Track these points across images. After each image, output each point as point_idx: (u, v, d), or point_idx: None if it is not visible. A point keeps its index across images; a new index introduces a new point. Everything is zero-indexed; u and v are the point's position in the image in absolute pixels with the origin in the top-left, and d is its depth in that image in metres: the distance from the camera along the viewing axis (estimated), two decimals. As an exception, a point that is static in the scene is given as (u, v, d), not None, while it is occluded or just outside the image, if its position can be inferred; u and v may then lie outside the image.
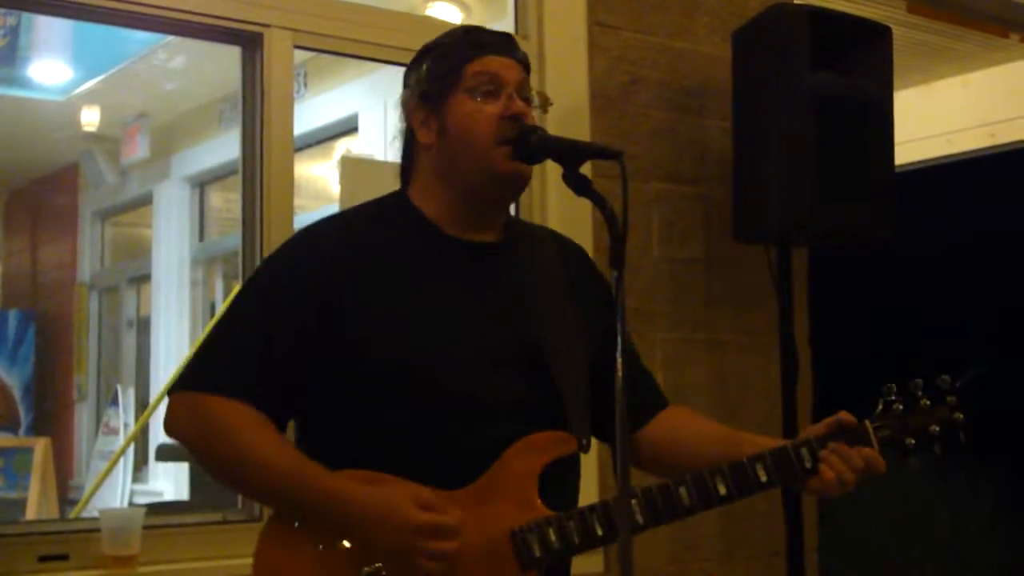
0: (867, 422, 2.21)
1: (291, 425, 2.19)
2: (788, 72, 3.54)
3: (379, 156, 5.40)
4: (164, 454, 6.33)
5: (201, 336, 6.26)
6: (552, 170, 2.17)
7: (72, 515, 6.04)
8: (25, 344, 7.70)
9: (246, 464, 2.05)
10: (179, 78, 6.52)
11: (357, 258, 2.14)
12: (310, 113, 5.84)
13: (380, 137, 5.57)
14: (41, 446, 5.49)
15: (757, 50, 3.67)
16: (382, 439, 2.07)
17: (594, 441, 2.23)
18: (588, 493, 2.33)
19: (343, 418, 2.10)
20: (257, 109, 3.20)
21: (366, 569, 2.00)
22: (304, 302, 2.09)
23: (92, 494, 6.24)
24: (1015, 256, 5.97)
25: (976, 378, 2.24)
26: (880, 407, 2.23)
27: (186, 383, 2.11)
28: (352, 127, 5.91)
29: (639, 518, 2.10)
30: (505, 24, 3.73)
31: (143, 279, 7.66)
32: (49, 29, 6.04)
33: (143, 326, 7.61)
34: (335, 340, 2.08)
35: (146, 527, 2.91)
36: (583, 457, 2.21)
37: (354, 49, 3.43)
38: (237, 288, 2.52)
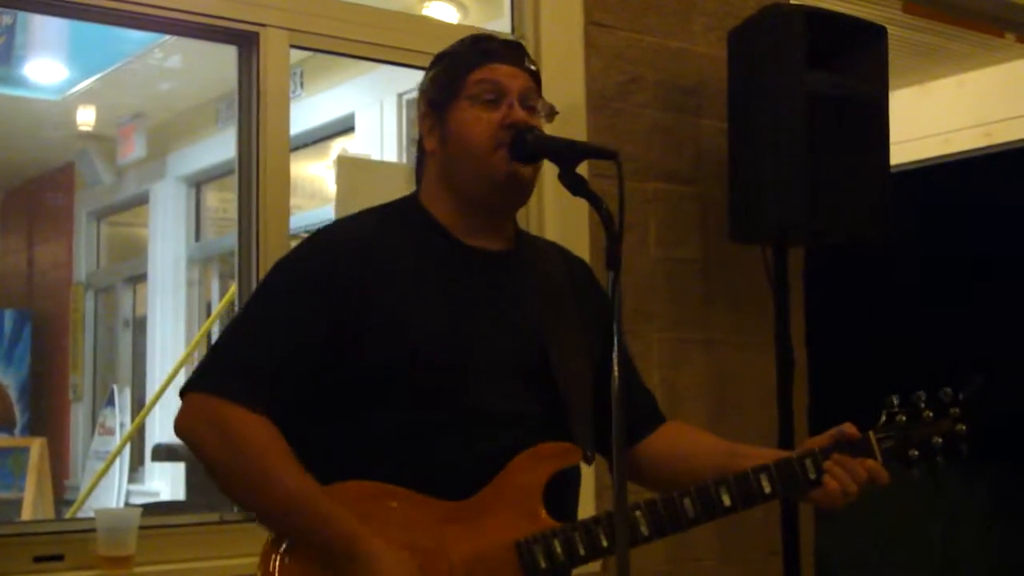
0: (870, 433, 2.22)
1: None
2: (784, 72, 3.54)
3: (375, 156, 5.41)
4: (160, 454, 6.33)
5: (201, 332, 6.28)
6: (549, 170, 2.17)
7: (68, 515, 6.04)
8: (21, 344, 7.70)
9: (254, 480, 2.02)
10: (175, 78, 6.52)
11: (372, 261, 2.13)
12: (306, 113, 5.84)
13: (376, 137, 5.57)
14: (37, 446, 5.48)
15: (753, 50, 3.67)
16: (389, 446, 2.07)
17: (593, 454, 2.24)
18: (585, 504, 2.33)
19: (351, 423, 2.10)
20: (253, 109, 3.19)
21: None
22: (322, 304, 2.09)
23: (88, 494, 6.24)
24: (1012, 256, 5.97)
25: (978, 390, 2.24)
26: (883, 418, 2.24)
27: (203, 385, 2.09)
28: (348, 127, 5.91)
29: (643, 529, 2.11)
30: (501, 24, 3.73)
31: (139, 279, 7.66)
32: (45, 28, 6.04)
33: (139, 326, 7.61)
34: (349, 342, 2.07)
35: (142, 527, 2.89)
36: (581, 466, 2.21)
37: (350, 49, 3.43)
38: (234, 285, 2.52)
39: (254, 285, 2.99)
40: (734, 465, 2.19)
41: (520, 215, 3.30)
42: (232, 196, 3.34)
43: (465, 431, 2.08)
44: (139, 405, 7.01)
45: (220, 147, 6.55)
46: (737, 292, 3.96)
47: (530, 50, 2.34)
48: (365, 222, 2.25)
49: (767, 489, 2.17)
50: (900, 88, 6.20)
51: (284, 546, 2.04)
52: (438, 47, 2.34)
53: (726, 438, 2.43)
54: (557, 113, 2.26)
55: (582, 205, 2.07)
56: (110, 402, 7.05)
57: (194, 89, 6.60)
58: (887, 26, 3.79)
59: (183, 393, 2.11)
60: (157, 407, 6.15)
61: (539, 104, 2.21)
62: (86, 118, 7.02)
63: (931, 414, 2.24)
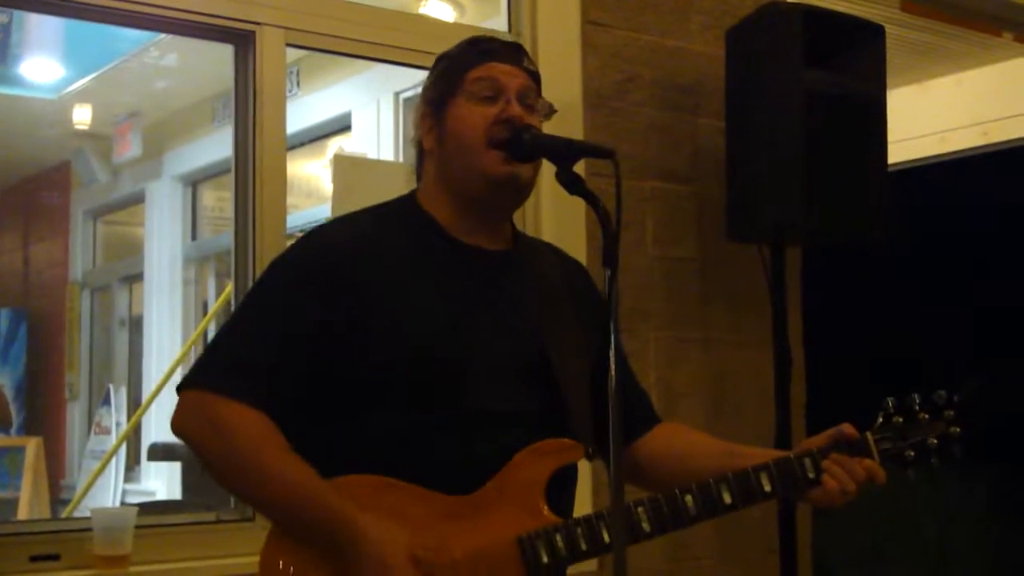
0: (868, 434, 2.23)
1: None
2: (782, 70, 3.54)
3: (372, 154, 5.39)
4: (156, 454, 6.32)
5: (197, 332, 6.28)
6: (545, 169, 2.17)
7: (64, 515, 6.03)
8: (17, 343, 7.69)
9: (254, 474, 2.03)
10: (171, 76, 6.51)
11: (370, 260, 2.14)
12: (303, 111, 5.82)
13: (373, 135, 5.56)
14: (33, 445, 5.49)
15: (751, 48, 3.67)
16: (389, 446, 2.07)
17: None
18: (582, 502, 2.33)
19: (350, 423, 2.10)
20: (250, 107, 3.19)
21: None
22: (319, 302, 2.09)
23: (84, 494, 6.23)
24: (1009, 255, 5.98)
25: (972, 393, 2.26)
26: (880, 420, 2.26)
27: (198, 382, 2.10)
28: (345, 125, 5.90)
29: (645, 526, 2.13)
30: (498, 22, 3.73)
31: (135, 278, 7.64)
32: (41, 27, 6.02)
33: (135, 325, 7.60)
34: (346, 342, 2.07)
35: (138, 527, 2.89)
36: (579, 463, 2.21)
37: (347, 47, 3.42)
38: (230, 285, 2.51)
39: (250, 284, 2.99)
40: (731, 465, 2.20)
41: (517, 213, 3.30)
42: (228, 195, 3.33)
43: (465, 430, 2.09)
44: (135, 404, 7.00)
45: (216, 146, 6.53)
46: (734, 291, 3.96)
47: (527, 48, 2.34)
48: (362, 221, 2.26)
49: (767, 488, 2.18)
50: (898, 87, 6.20)
51: (285, 536, 2.05)
52: (435, 46, 2.34)
53: (723, 437, 2.44)
54: (555, 112, 2.26)
55: (579, 204, 2.07)
56: (106, 401, 7.05)
57: (190, 88, 6.59)
58: (885, 25, 3.79)
59: (179, 390, 2.11)
60: (153, 406, 6.14)
61: (537, 103, 2.21)
62: (82, 117, 7.01)
63: (926, 416, 2.25)
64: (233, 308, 2.52)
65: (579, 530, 2.09)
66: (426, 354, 2.08)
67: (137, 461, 7.08)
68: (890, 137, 3.71)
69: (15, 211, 8.52)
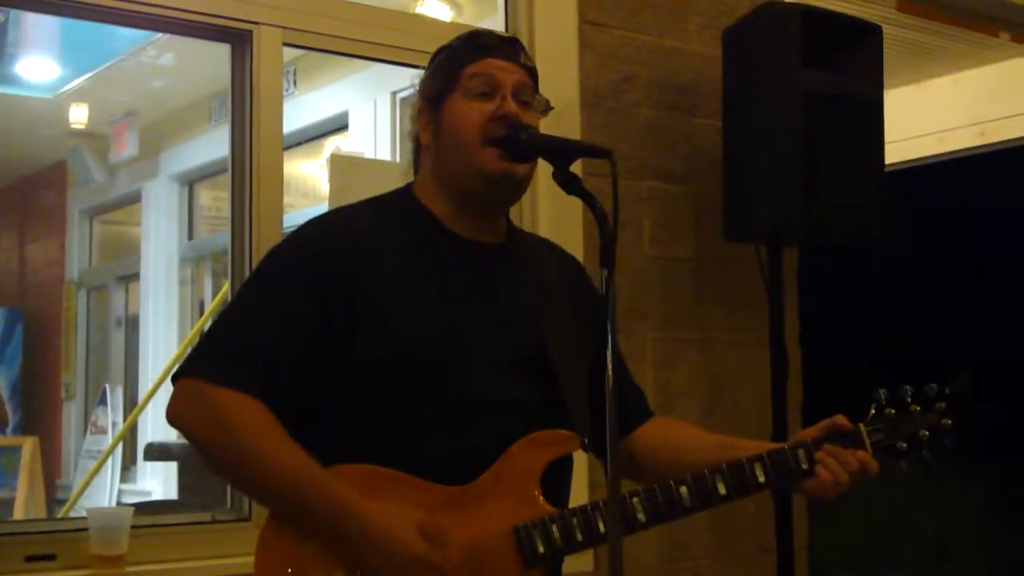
0: (861, 425, 2.24)
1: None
2: (779, 70, 3.54)
3: (369, 154, 5.39)
4: (152, 453, 6.31)
5: (194, 331, 6.27)
6: (543, 169, 2.16)
7: (60, 515, 6.03)
8: (13, 343, 7.69)
9: (252, 462, 2.03)
10: (168, 75, 6.51)
11: (367, 251, 2.14)
12: (300, 111, 5.82)
13: (370, 135, 5.56)
14: (29, 445, 5.48)
15: (748, 48, 3.67)
16: (388, 432, 2.08)
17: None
18: (579, 495, 2.33)
19: (350, 410, 2.10)
20: (246, 107, 3.19)
21: None
22: (316, 292, 2.09)
23: (80, 493, 6.23)
24: (1006, 255, 5.98)
25: (963, 385, 2.27)
26: (872, 412, 2.27)
27: (194, 370, 2.09)
28: (342, 125, 5.90)
29: (641, 516, 2.13)
30: (495, 22, 3.73)
31: (132, 277, 7.64)
32: (37, 26, 6.02)
33: (131, 325, 7.60)
34: (344, 332, 2.08)
35: (134, 527, 2.89)
36: (575, 455, 2.22)
37: (344, 47, 3.42)
38: (227, 284, 2.51)
39: (247, 284, 2.98)
40: (726, 457, 2.21)
41: (514, 213, 3.30)
42: (225, 194, 3.33)
43: (462, 421, 2.09)
44: (131, 404, 7.00)
45: (213, 145, 6.53)
46: (731, 291, 3.96)
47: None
48: (359, 213, 2.26)
49: (761, 478, 2.19)
50: (895, 87, 6.20)
51: (281, 531, 2.05)
52: (432, 45, 2.34)
53: (720, 436, 2.44)
54: (552, 108, 2.26)
55: (576, 204, 2.07)
56: (102, 401, 7.04)
57: (187, 87, 6.59)
58: (882, 25, 3.78)
59: (175, 379, 2.11)
60: (150, 406, 6.13)
61: (534, 99, 2.21)
62: (78, 116, 7.00)
63: (918, 408, 2.27)
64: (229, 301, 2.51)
65: (575, 520, 2.09)
66: (422, 345, 2.09)
67: (133, 461, 7.07)
68: (887, 137, 3.70)
69: (11, 210, 8.52)
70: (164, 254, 7.21)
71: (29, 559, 2.81)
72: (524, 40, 3.54)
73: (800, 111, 3.49)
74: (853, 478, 2.19)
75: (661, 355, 3.80)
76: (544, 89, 2.28)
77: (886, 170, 3.73)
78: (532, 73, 2.24)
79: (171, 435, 5.69)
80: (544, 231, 3.41)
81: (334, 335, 2.07)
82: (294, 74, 5.82)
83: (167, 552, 2.97)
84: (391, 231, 2.20)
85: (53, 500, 6.45)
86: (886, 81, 3.73)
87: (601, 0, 3.78)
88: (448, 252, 2.20)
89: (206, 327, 5.85)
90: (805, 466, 2.19)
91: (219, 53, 3.31)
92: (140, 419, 6.51)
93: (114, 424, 6.86)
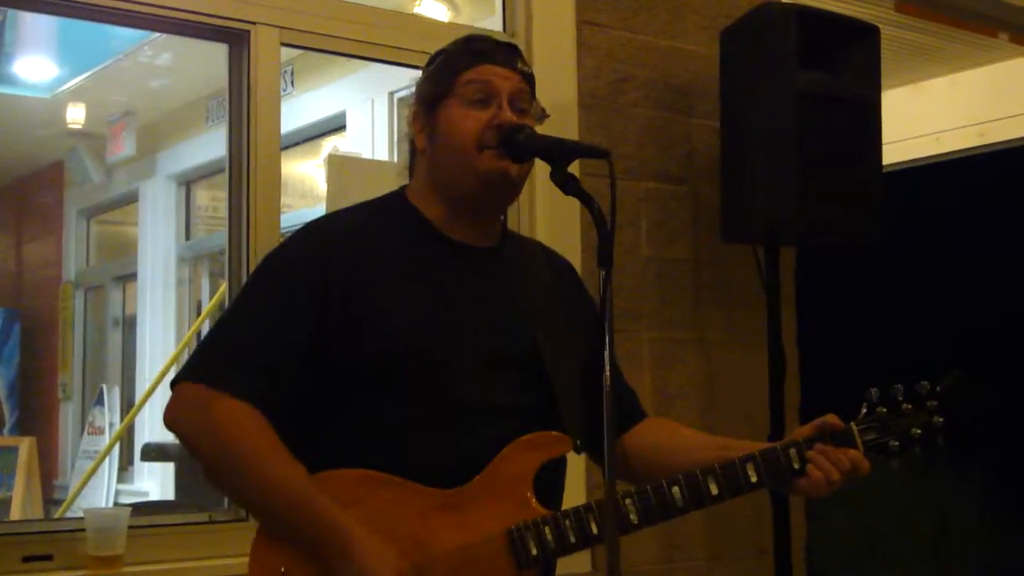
0: (852, 424, 2.23)
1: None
2: (776, 71, 3.54)
3: (366, 154, 5.39)
4: (150, 454, 6.31)
5: (191, 331, 6.26)
6: (540, 169, 2.16)
7: (57, 515, 6.01)
8: (10, 343, 7.68)
9: (242, 472, 2.03)
10: (165, 75, 6.51)
11: (362, 256, 2.14)
12: (297, 111, 5.82)
13: (367, 135, 5.56)
14: (26, 445, 5.46)
15: (745, 49, 3.67)
16: (381, 436, 2.08)
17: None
18: (576, 494, 2.33)
19: (344, 413, 2.10)
20: (244, 107, 3.18)
21: None
22: (312, 298, 2.09)
23: (77, 494, 6.22)
24: (1004, 256, 5.98)
25: (954, 383, 2.27)
26: (864, 410, 2.26)
27: (192, 375, 2.09)
28: (339, 125, 5.90)
29: (633, 517, 2.13)
30: (493, 23, 3.72)
31: (129, 277, 7.64)
32: (34, 26, 6.02)
33: (128, 325, 7.59)
34: (340, 336, 2.08)
35: (131, 527, 2.89)
36: (571, 458, 2.22)
37: (341, 47, 3.42)
38: (224, 285, 2.51)
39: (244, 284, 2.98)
40: (718, 457, 2.20)
41: (511, 214, 3.30)
42: (222, 194, 3.33)
43: (455, 424, 2.09)
44: (129, 404, 6.99)
45: (210, 145, 6.53)
46: (729, 292, 3.96)
47: (522, 49, 2.33)
48: (354, 217, 2.26)
49: (753, 478, 2.18)
50: (892, 88, 6.20)
51: (272, 536, 2.05)
52: (429, 45, 2.34)
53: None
54: (548, 116, 2.26)
55: (574, 204, 2.07)
56: (99, 401, 7.03)
57: (184, 87, 6.59)
58: (879, 25, 3.78)
59: (174, 384, 2.11)
60: (147, 406, 6.13)
61: (530, 107, 2.21)
62: (76, 116, 6.99)
63: (910, 406, 2.26)
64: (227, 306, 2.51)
65: (567, 522, 2.09)
66: (415, 349, 2.09)
67: (130, 461, 7.07)
68: (885, 138, 3.70)
69: (8, 210, 8.52)
70: (161, 254, 7.21)
71: (26, 559, 2.81)
72: (521, 41, 3.56)
73: (798, 112, 3.49)
74: (845, 477, 2.18)
75: (658, 356, 3.80)
76: (542, 90, 2.28)
77: (884, 171, 3.73)
78: (529, 79, 2.23)
79: (168, 435, 5.66)
80: (542, 232, 3.41)
81: (330, 339, 2.07)
82: (292, 74, 5.82)
83: (164, 552, 2.97)
84: (385, 236, 2.20)
85: (50, 500, 6.43)
86: (884, 82, 3.73)
87: (599, 1, 3.78)
88: (441, 256, 2.20)
89: (204, 331, 5.86)
90: (797, 465, 2.19)
91: (216, 53, 3.31)
92: (137, 419, 6.50)
93: (111, 424, 6.85)
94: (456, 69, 2.19)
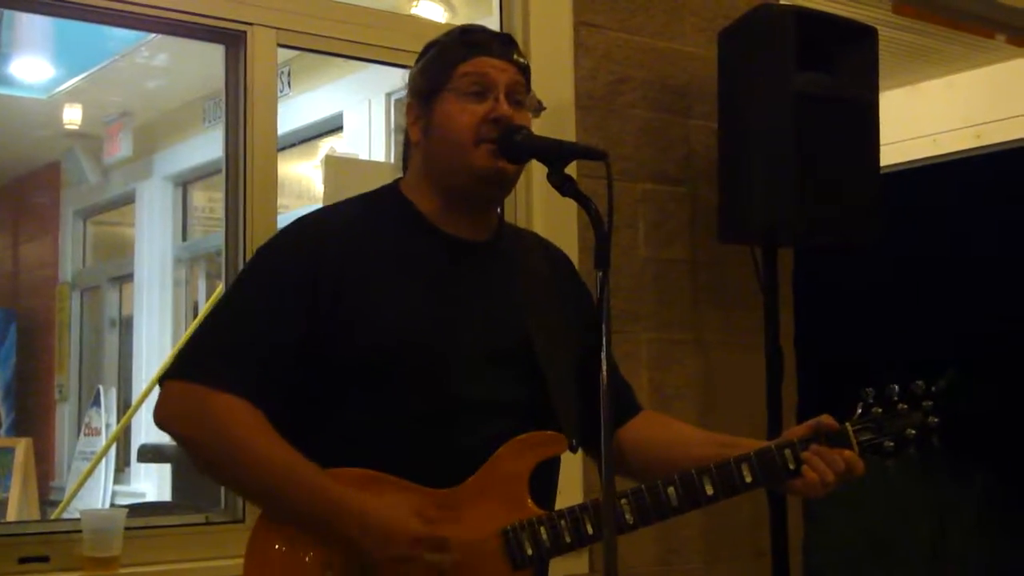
0: (847, 425, 2.23)
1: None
2: (774, 72, 3.54)
3: (363, 155, 5.39)
4: (146, 455, 6.30)
5: (187, 333, 6.25)
6: (537, 170, 2.16)
7: (53, 516, 6.02)
8: (6, 344, 7.67)
9: (245, 463, 2.02)
10: (162, 76, 6.50)
11: (354, 249, 2.13)
12: (294, 112, 5.82)
13: (364, 136, 5.56)
14: (22, 446, 5.46)
15: (743, 50, 3.67)
16: (376, 433, 2.07)
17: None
18: (573, 493, 2.33)
19: (337, 410, 2.09)
20: (240, 108, 3.18)
21: None
22: (303, 292, 2.08)
23: (73, 495, 6.22)
24: (1001, 257, 5.98)
25: (949, 383, 2.27)
26: (859, 411, 2.26)
27: (182, 372, 2.08)
28: (336, 126, 5.90)
29: (628, 518, 2.13)
30: (490, 23, 3.71)
31: (125, 278, 7.63)
32: (31, 27, 6.01)
33: (125, 326, 7.58)
34: (331, 332, 2.07)
35: (128, 528, 2.88)
36: (569, 457, 2.21)
37: (338, 48, 3.41)
38: (221, 285, 2.50)
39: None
40: (713, 454, 2.20)
41: (509, 214, 3.30)
42: (219, 195, 3.32)
43: (450, 421, 2.09)
44: (125, 405, 6.99)
45: (207, 146, 6.52)
46: (726, 292, 3.96)
47: (519, 49, 2.32)
48: (347, 211, 2.26)
49: (748, 479, 2.18)
50: (890, 89, 6.21)
51: (271, 530, 2.05)
52: (427, 47, 2.33)
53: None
54: (544, 108, 2.25)
55: (571, 205, 2.07)
56: (96, 402, 7.03)
57: (181, 88, 6.58)
58: (877, 27, 3.79)
59: (162, 381, 2.09)
60: (143, 407, 6.12)
61: (527, 98, 2.20)
62: (72, 117, 6.99)
63: (905, 406, 2.26)
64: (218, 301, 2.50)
65: (563, 522, 2.10)
66: (408, 344, 2.08)
67: (127, 462, 7.06)
68: (882, 139, 3.70)
69: (5, 211, 8.50)
70: (158, 255, 7.20)
71: (22, 560, 2.80)
72: (519, 41, 3.54)
73: (795, 113, 3.49)
74: (840, 478, 2.18)
75: (656, 356, 3.80)
76: (539, 90, 2.27)
77: (881, 172, 3.73)
78: (525, 71, 2.22)
79: (164, 436, 5.67)
80: (539, 232, 3.40)
81: (322, 334, 2.06)
82: (288, 75, 5.82)
83: (161, 554, 2.96)
84: (378, 229, 2.18)
85: (46, 502, 6.42)
86: (881, 83, 3.73)
87: (596, 2, 3.77)
88: (435, 250, 2.19)
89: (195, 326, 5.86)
90: (792, 466, 2.19)
91: (213, 54, 3.31)
92: (134, 420, 6.49)
93: (108, 425, 6.85)
94: (452, 61, 2.18)
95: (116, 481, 6.84)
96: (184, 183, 7.24)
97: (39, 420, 7.69)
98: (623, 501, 2.12)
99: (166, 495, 6.39)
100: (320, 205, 3.64)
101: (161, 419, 2.08)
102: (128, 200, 7.59)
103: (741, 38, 3.68)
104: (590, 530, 2.09)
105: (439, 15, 4.69)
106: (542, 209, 3.51)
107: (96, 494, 6.49)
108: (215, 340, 2.12)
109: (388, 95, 5.43)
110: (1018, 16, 5.15)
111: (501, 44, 2.22)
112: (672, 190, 3.89)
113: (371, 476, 2.04)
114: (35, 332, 7.89)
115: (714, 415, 3.88)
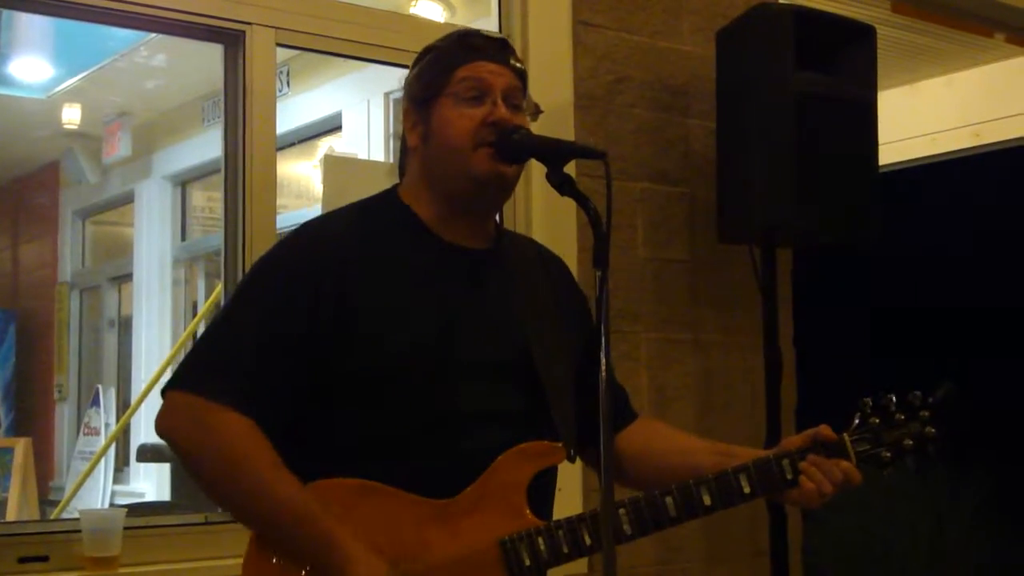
0: (845, 436, 2.24)
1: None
2: (772, 72, 3.54)
3: (362, 155, 5.39)
4: (145, 455, 6.30)
5: (187, 332, 6.26)
6: (536, 170, 2.16)
7: (52, 516, 6.01)
8: (5, 344, 7.66)
9: (247, 488, 2.01)
10: (161, 76, 6.50)
11: (355, 258, 2.12)
12: (293, 112, 5.82)
13: (363, 136, 5.56)
14: (22, 446, 5.45)
15: (741, 50, 3.67)
16: (374, 443, 2.06)
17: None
18: (572, 497, 2.33)
19: (338, 419, 2.09)
20: (239, 107, 3.18)
21: None
22: (305, 302, 2.07)
23: (73, 495, 6.22)
24: (999, 256, 5.98)
25: (946, 394, 2.28)
26: (857, 421, 2.27)
27: (185, 384, 2.06)
28: (335, 125, 5.90)
29: (626, 528, 2.13)
30: (489, 23, 3.72)
31: (124, 278, 7.63)
32: (30, 26, 6.01)
33: (124, 326, 7.58)
34: (331, 341, 2.06)
35: (127, 528, 2.88)
36: (568, 465, 2.21)
37: (337, 47, 3.41)
38: (220, 285, 2.50)
39: (240, 285, 2.98)
40: (714, 464, 2.20)
41: (507, 215, 3.30)
42: (218, 195, 3.32)
43: (448, 430, 2.08)
44: (124, 405, 6.98)
45: (206, 146, 6.52)
46: (725, 292, 3.96)
47: (517, 49, 2.33)
48: (346, 219, 2.24)
49: (746, 488, 2.19)
50: (889, 88, 6.21)
51: (267, 546, 2.04)
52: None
53: (713, 438, 2.44)
54: (542, 112, 2.25)
55: (570, 205, 2.07)
56: (95, 402, 7.02)
57: (180, 88, 6.58)
58: (876, 26, 3.79)
59: (164, 391, 2.08)
60: (142, 407, 6.12)
61: (524, 102, 2.20)
62: (71, 116, 6.99)
63: (902, 417, 2.26)
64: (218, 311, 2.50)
65: (561, 533, 2.09)
66: (408, 353, 2.07)
67: (126, 462, 7.06)
68: (881, 139, 3.71)
69: (4, 211, 8.49)
70: (157, 255, 7.20)
71: (22, 560, 2.81)
72: (517, 41, 3.55)
73: (794, 112, 3.49)
74: (837, 488, 2.19)
75: (655, 356, 3.80)
76: (537, 90, 2.27)
77: (880, 171, 3.73)
78: (522, 76, 2.21)
79: (164, 436, 5.67)
80: (538, 232, 3.40)
81: (324, 345, 2.05)
82: (287, 75, 5.82)
83: (160, 553, 2.96)
84: (379, 237, 2.17)
85: (46, 501, 6.42)
86: (880, 82, 3.73)
87: (595, 1, 3.77)
88: (435, 259, 2.18)
89: (197, 336, 5.86)
90: (790, 476, 2.19)
91: (212, 54, 3.31)
92: (133, 420, 6.49)
93: (107, 425, 6.84)
94: (449, 66, 2.17)
95: (115, 481, 6.83)
96: (183, 183, 7.24)
97: (38, 420, 7.69)
98: (621, 511, 2.12)
99: (165, 495, 6.40)
100: (319, 205, 3.65)
101: (163, 430, 2.07)
102: (127, 200, 7.59)
103: (740, 37, 3.68)
104: (588, 541, 2.09)
105: (438, 15, 4.69)
106: (541, 209, 3.51)
107: (95, 494, 6.48)
108: (216, 350, 2.10)
109: (387, 95, 5.43)
110: (1017, 15, 5.15)
111: (498, 48, 2.21)
112: (671, 190, 3.89)
113: (370, 487, 2.03)
114: (34, 332, 7.89)
115: (713, 415, 3.88)
